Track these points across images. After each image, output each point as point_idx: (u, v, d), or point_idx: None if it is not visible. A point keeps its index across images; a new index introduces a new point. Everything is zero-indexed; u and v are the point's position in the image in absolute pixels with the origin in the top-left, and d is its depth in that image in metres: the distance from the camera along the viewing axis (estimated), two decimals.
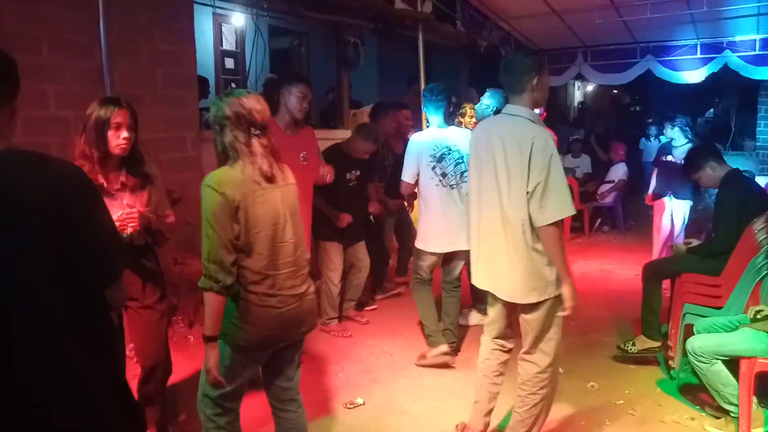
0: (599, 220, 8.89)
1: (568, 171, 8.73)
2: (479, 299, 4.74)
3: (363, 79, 7.76)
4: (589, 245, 7.92)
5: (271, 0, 5.48)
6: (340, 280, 4.62)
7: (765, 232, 3.67)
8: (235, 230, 2.10)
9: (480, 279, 2.88)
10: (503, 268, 2.69)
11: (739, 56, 8.56)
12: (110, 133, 2.50)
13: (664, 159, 5.89)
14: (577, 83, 14.30)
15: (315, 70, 8.37)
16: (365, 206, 4.81)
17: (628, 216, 9.13)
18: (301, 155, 3.70)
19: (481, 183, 2.75)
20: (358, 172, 4.60)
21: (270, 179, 2.18)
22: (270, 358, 2.35)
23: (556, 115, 12.07)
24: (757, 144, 10.34)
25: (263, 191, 2.17)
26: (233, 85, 7.04)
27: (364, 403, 3.52)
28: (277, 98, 4.12)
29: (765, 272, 3.49)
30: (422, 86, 6.84)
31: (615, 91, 16.51)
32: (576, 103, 15.14)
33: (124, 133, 2.52)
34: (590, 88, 15.34)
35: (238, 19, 6.88)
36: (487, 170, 2.71)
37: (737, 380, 3.05)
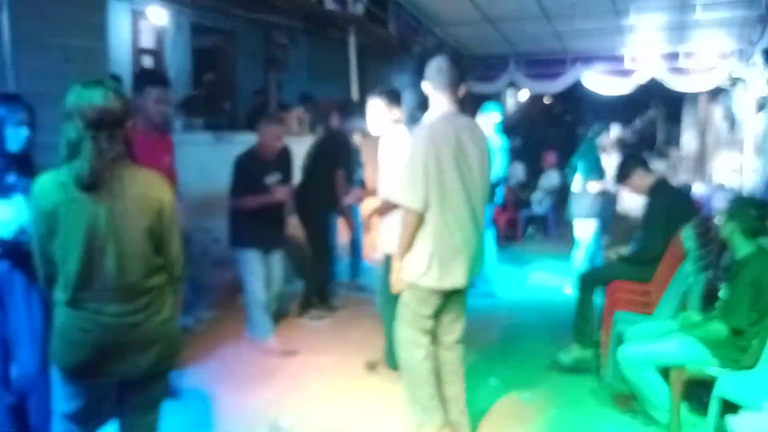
0: (532, 227, 8.97)
1: (502, 179, 8.77)
2: None
3: (293, 81, 7.53)
4: (523, 253, 7.97)
5: None
6: (263, 289, 4.29)
7: (692, 239, 3.75)
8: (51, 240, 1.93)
9: (457, 277, 2.89)
10: (472, 255, 2.92)
11: (663, 68, 8.88)
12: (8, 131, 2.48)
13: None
14: (510, 91, 14.52)
15: (242, 70, 8.07)
16: (283, 213, 4.54)
17: (561, 223, 9.25)
18: (166, 161, 3.48)
19: (463, 179, 2.84)
20: (279, 177, 4.31)
21: (86, 187, 1.89)
22: (118, 397, 2.12)
23: None
24: (681, 153, 10.77)
25: (80, 202, 1.91)
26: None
27: (293, 425, 3.31)
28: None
29: (693, 279, 3.55)
30: (353, 90, 6.71)
31: (547, 100, 16.92)
32: (511, 111, 15.38)
33: (24, 131, 2.50)
34: (523, 96, 15.63)
35: (158, 16, 6.50)
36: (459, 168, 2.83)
37: (667, 387, 3.10)
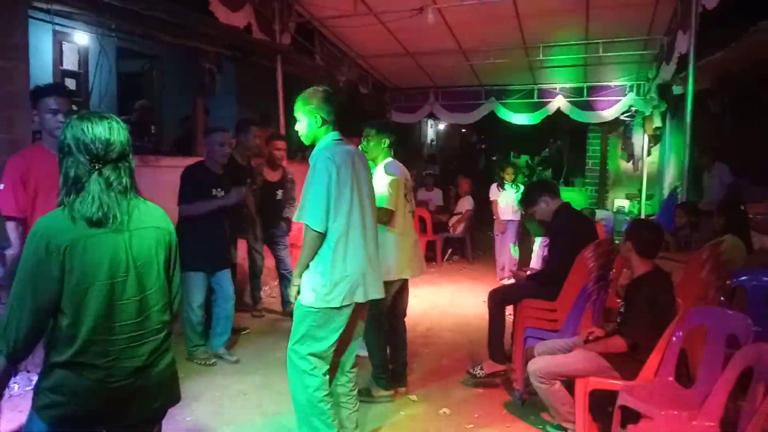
0: (450, 250, 9.35)
1: (422, 204, 9.13)
2: None
3: (221, 107, 7.57)
4: (441, 274, 8.30)
5: (119, 20, 5.16)
6: (201, 307, 4.45)
7: (594, 259, 4.02)
8: (57, 288, 1.74)
9: (372, 291, 3.03)
10: (372, 275, 3.04)
11: (569, 101, 9.58)
12: None
13: None
14: (430, 121, 15.05)
15: (169, 96, 8.02)
16: (231, 230, 4.61)
17: (476, 246, 9.70)
18: None
19: (361, 198, 3.01)
20: (222, 192, 4.38)
21: (98, 223, 1.78)
22: None
23: (411, 150, 12.63)
24: (585, 180, 11.53)
25: (99, 236, 1.79)
26: (74, 107, 6.52)
27: None
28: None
29: (595, 296, 3.87)
30: (281, 119, 6.85)
31: (464, 130, 17.66)
32: (429, 140, 15.93)
33: None
34: (442, 126, 16.23)
35: (82, 38, 6.41)
36: (359, 187, 3.01)
37: (572, 398, 3.28)
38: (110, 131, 1.85)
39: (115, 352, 1.81)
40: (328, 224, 2.87)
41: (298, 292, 2.97)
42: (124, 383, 1.83)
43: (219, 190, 4.40)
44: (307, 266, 2.93)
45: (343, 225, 2.91)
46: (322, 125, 3.01)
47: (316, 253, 2.90)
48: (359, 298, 2.96)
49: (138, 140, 6.10)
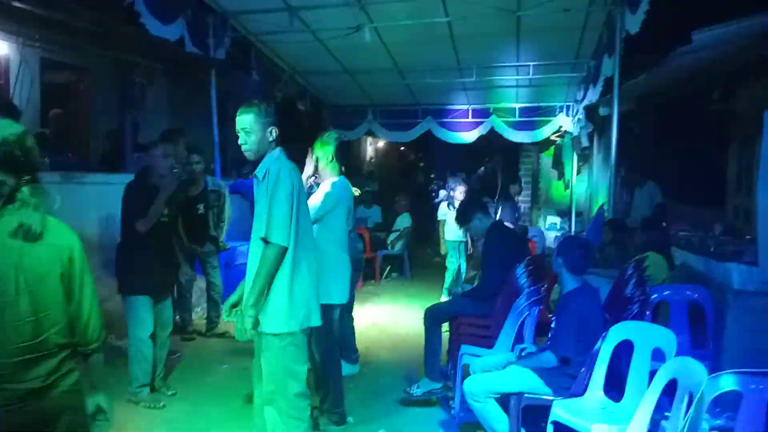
0: (389, 268, 9.35)
1: (361, 221, 9.11)
2: (349, 347, 4.67)
3: (153, 121, 7.33)
4: (379, 291, 8.27)
5: (42, 29, 4.94)
6: (151, 337, 4.02)
7: (525, 276, 4.12)
8: None
9: (317, 316, 2.93)
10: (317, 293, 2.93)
11: (503, 121, 9.84)
12: None
13: None
14: (369, 139, 15.13)
15: (97, 108, 7.71)
16: (175, 252, 4.29)
17: (415, 263, 9.74)
18: None
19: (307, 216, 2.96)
20: (167, 210, 4.04)
21: None
22: None
23: (351, 167, 12.60)
24: (519, 198, 11.83)
25: None
26: None
27: None
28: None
29: (527, 313, 3.94)
30: (214, 134, 6.70)
31: (402, 148, 17.83)
32: (368, 157, 16.00)
33: None
34: (381, 143, 16.34)
35: (2, 48, 6.10)
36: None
37: (505, 415, 3.29)
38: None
39: (5, 376, 1.68)
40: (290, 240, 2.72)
41: (256, 324, 2.72)
42: (15, 407, 1.69)
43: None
44: (266, 290, 2.72)
45: (305, 240, 2.81)
46: (274, 140, 2.88)
47: (275, 272, 2.72)
48: (316, 322, 2.87)
49: (59, 154, 5.81)
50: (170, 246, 4.19)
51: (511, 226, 6.31)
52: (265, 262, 2.69)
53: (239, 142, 2.88)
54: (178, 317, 5.61)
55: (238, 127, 2.86)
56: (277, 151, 2.89)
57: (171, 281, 4.28)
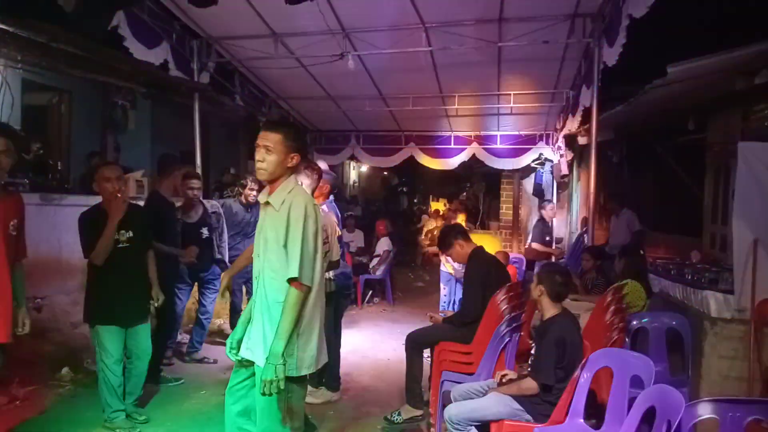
0: (371, 292, 9.32)
1: (343, 245, 9.08)
2: (332, 374, 4.63)
3: (134, 144, 7.31)
4: (361, 316, 8.22)
5: (23, 52, 4.92)
6: (118, 363, 3.93)
7: (506, 302, 4.12)
8: None
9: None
10: None
11: (484, 148, 9.98)
12: None
13: None
14: (353, 163, 15.22)
15: (78, 131, 7.68)
16: (146, 278, 4.15)
17: (397, 288, 9.73)
18: (11, 224, 3.13)
19: None
20: (130, 233, 3.92)
21: None
22: None
23: (334, 192, 12.62)
24: (501, 224, 11.92)
25: None
26: None
27: None
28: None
29: (508, 339, 3.95)
30: (197, 157, 6.69)
31: (385, 173, 17.94)
32: (351, 182, 16.07)
33: None
34: (364, 168, 16.43)
35: None
36: None
37: None
38: None
39: None
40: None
41: (276, 373, 2.47)
42: None
43: (125, 233, 3.93)
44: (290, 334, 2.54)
45: (319, 279, 2.67)
46: (291, 167, 2.69)
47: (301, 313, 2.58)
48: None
49: (34, 176, 5.74)
50: (138, 272, 4.05)
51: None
52: (293, 305, 2.54)
53: (256, 158, 2.65)
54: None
55: (260, 142, 2.64)
56: (293, 180, 2.72)
57: (142, 308, 4.12)
